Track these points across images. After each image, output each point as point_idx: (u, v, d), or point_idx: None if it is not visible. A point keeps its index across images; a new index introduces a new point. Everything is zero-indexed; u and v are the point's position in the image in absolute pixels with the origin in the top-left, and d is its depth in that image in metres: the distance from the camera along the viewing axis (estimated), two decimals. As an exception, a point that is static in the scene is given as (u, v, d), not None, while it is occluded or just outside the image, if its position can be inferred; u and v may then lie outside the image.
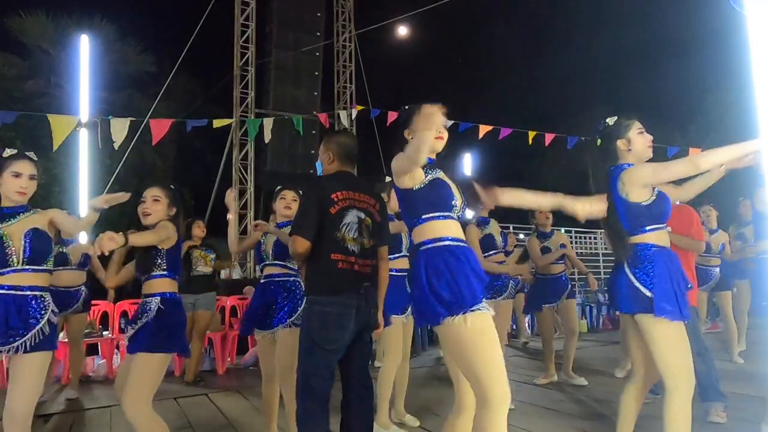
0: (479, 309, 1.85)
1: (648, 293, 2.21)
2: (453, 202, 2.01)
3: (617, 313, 2.62)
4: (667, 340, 2.21)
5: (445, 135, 2.09)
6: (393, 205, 3.37)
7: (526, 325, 7.80)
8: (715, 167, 2.33)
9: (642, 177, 2.30)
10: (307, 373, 2.25)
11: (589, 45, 18.51)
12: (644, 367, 2.42)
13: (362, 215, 2.37)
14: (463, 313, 1.83)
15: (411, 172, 1.96)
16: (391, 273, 3.37)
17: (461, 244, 1.96)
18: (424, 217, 1.97)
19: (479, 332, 1.83)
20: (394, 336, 3.35)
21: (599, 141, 2.46)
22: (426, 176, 2.00)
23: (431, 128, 1.89)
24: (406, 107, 2.14)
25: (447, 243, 1.94)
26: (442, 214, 1.97)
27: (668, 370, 2.22)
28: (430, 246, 1.94)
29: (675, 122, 16.49)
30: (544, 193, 2.28)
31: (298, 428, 2.26)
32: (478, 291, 1.88)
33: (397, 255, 3.45)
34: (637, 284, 2.25)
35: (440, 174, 2.05)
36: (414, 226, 2.00)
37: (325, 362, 2.25)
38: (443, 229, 1.96)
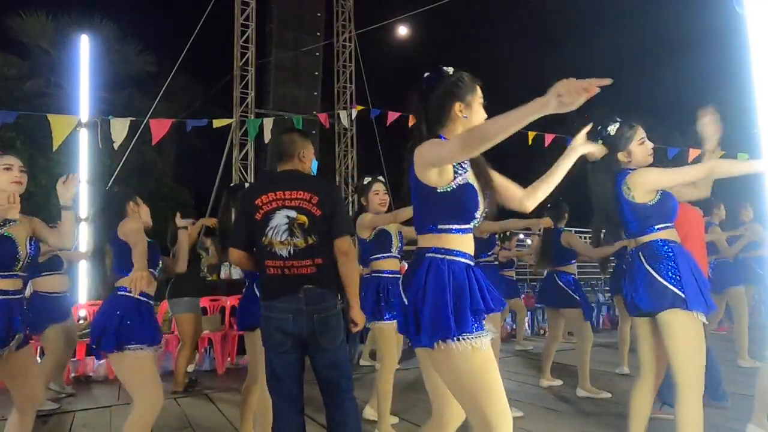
0: (485, 333, 1.61)
1: (675, 289, 2.20)
2: (477, 213, 1.71)
3: (635, 317, 2.43)
4: (689, 337, 2.22)
5: None
6: (375, 205, 3.29)
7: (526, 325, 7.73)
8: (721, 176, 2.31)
9: (648, 183, 2.32)
10: (269, 374, 2.30)
11: (588, 45, 18.50)
12: (656, 367, 2.42)
13: (293, 214, 2.26)
14: (474, 337, 1.57)
15: (446, 165, 1.63)
16: (380, 275, 3.29)
17: (470, 262, 1.71)
18: (440, 227, 1.68)
19: (489, 361, 1.60)
20: (389, 342, 3.20)
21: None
22: (456, 177, 1.66)
23: (526, 119, 1.44)
24: (453, 72, 1.73)
25: (457, 258, 1.67)
26: (460, 227, 1.69)
27: (684, 367, 2.21)
28: (438, 256, 1.66)
29: (675, 122, 16.45)
30: None
31: (272, 427, 2.31)
32: (481, 316, 1.65)
33: (385, 255, 3.31)
34: (662, 280, 2.23)
35: (470, 175, 1.70)
36: (425, 232, 1.71)
37: (279, 363, 2.26)
38: (457, 242, 1.68)
